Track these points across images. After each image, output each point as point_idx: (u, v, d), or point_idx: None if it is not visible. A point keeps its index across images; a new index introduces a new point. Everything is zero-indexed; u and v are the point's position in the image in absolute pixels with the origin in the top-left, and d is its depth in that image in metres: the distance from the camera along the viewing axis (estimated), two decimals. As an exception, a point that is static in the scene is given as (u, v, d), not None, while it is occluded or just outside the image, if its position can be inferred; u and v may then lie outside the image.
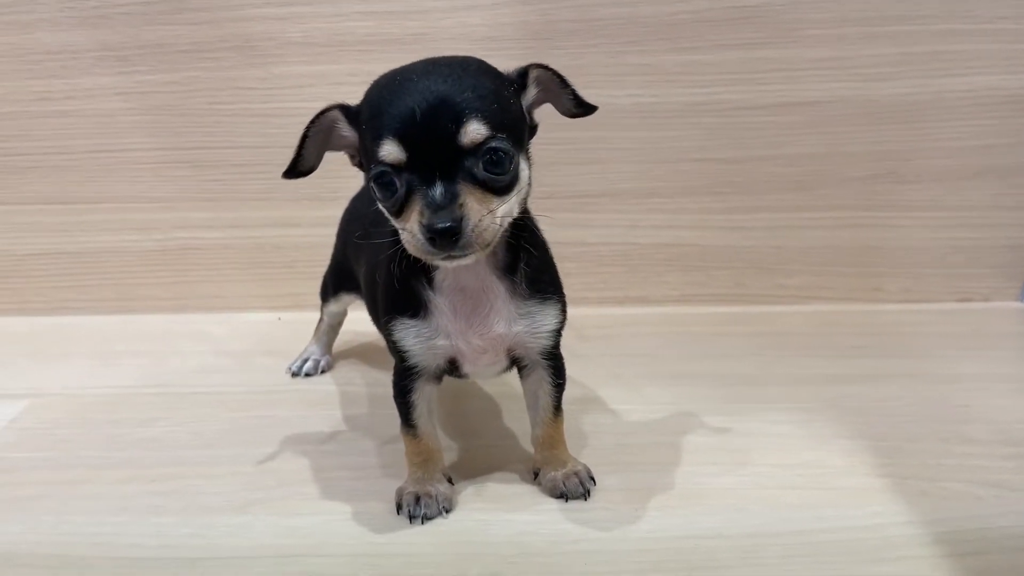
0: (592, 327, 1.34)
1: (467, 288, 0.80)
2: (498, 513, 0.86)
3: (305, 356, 1.21)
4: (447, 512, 0.86)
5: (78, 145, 1.34)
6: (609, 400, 1.10)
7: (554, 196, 1.33)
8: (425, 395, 0.86)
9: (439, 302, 0.80)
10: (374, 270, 0.89)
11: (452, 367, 0.85)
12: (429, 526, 0.84)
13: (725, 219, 1.37)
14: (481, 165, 0.70)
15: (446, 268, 0.76)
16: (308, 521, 0.85)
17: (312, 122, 0.77)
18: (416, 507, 0.85)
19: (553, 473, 0.88)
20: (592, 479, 0.89)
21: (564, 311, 0.86)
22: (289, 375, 1.20)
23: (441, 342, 0.81)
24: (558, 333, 0.86)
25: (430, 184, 0.69)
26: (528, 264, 0.82)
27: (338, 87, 1.13)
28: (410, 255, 0.73)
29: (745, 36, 1.27)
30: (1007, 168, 1.32)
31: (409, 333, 0.81)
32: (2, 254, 1.41)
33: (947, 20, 1.25)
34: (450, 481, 0.89)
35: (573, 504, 0.87)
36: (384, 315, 0.83)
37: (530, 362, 0.87)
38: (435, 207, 0.68)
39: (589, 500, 0.87)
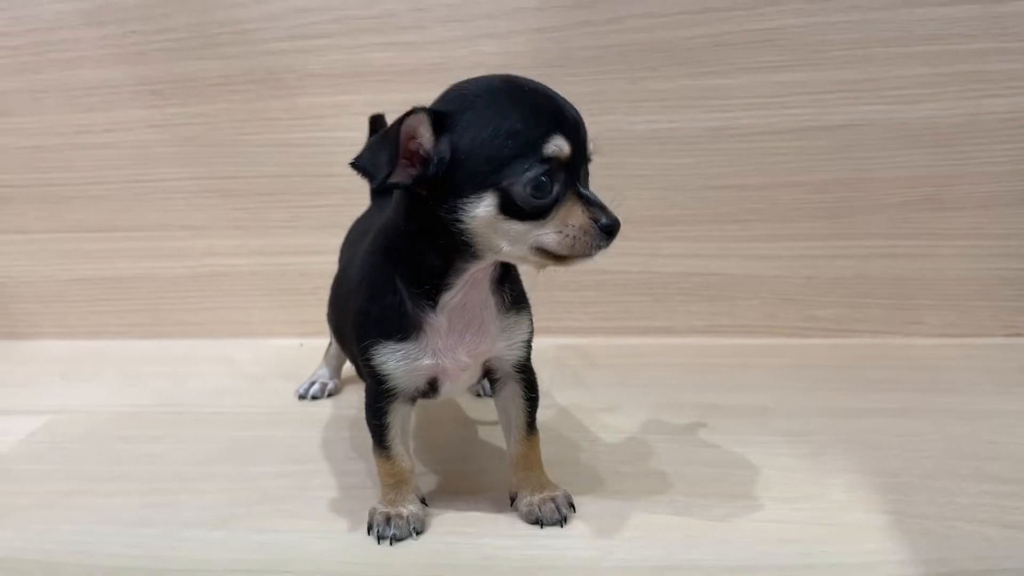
0: (611, 357, 1.32)
1: (468, 304, 0.80)
2: (469, 536, 0.84)
3: (313, 379, 1.22)
4: (417, 533, 0.84)
5: (115, 175, 1.41)
6: (611, 428, 1.07)
7: (573, 224, 1.32)
8: (400, 417, 0.85)
9: (437, 321, 0.79)
10: (345, 296, 0.89)
11: (430, 387, 0.84)
12: (398, 547, 0.83)
13: (751, 248, 1.33)
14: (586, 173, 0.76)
15: (456, 289, 0.78)
16: (282, 538, 0.85)
17: (400, 122, 0.72)
18: (386, 527, 0.84)
19: (529, 497, 0.86)
20: (572, 506, 0.86)
21: (532, 323, 0.87)
22: (296, 397, 1.21)
23: (427, 362, 0.80)
24: (529, 345, 0.86)
25: (579, 186, 0.74)
26: (510, 278, 0.84)
27: (358, 117, 1.17)
28: (418, 275, 0.76)
29: (767, 59, 1.24)
30: (1055, 193, 1.24)
31: (394, 356, 0.80)
32: (46, 280, 1.48)
33: (982, 39, 1.19)
34: (423, 502, 0.88)
35: (548, 531, 0.84)
36: (361, 340, 0.81)
37: (503, 375, 0.87)
38: (599, 205, 0.73)
39: (566, 527, 0.84)
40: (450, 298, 0.79)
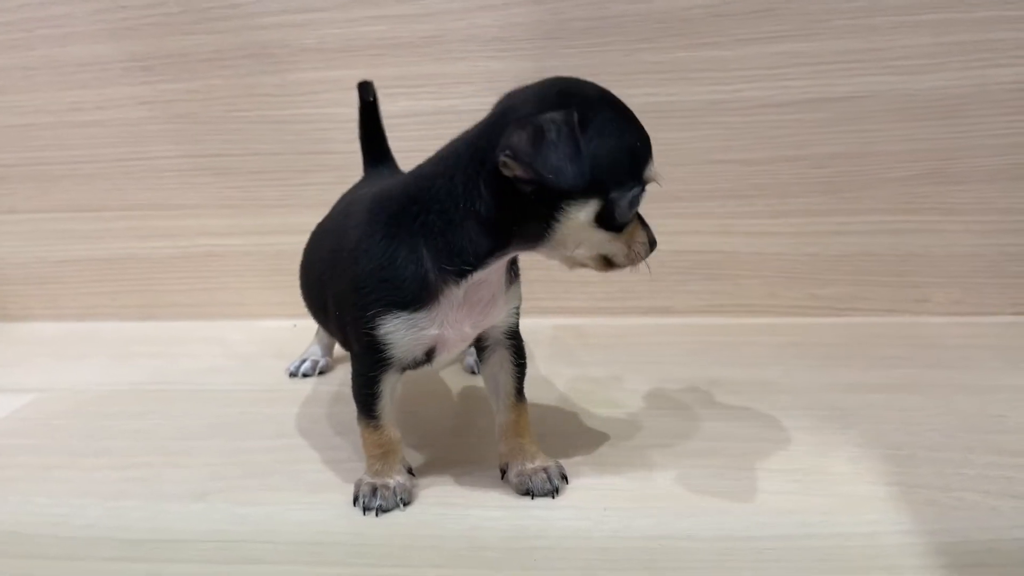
0: (610, 336, 1.30)
1: (487, 280, 0.79)
2: (457, 508, 0.82)
3: (304, 357, 1.21)
4: (405, 504, 0.82)
5: (106, 154, 1.39)
6: (607, 403, 1.05)
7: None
8: (390, 385, 0.83)
9: (455, 294, 0.77)
10: (331, 262, 0.85)
11: (425, 357, 0.82)
12: (383, 518, 0.81)
13: (752, 224, 1.30)
14: None
15: (493, 266, 0.77)
16: (262, 510, 0.83)
17: (570, 120, 0.69)
18: (372, 498, 0.81)
19: (520, 467, 0.84)
20: (564, 477, 0.84)
21: (520, 289, 0.86)
22: (288, 376, 1.19)
23: (433, 331, 0.78)
24: (519, 311, 0.86)
25: None
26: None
27: (351, 92, 1.14)
28: (458, 253, 0.74)
29: (767, 29, 1.21)
30: (1065, 166, 1.21)
31: (401, 325, 0.77)
32: (38, 261, 1.47)
33: (989, 6, 1.17)
34: (411, 472, 0.86)
35: (539, 501, 0.82)
36: (367, 308, 0.77)
37: (492, 342, 0.86)
38: (647, 225, 0.81)
39: (558, 498, 0.82)
40: (479, 276, 0.77)
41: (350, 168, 1.18)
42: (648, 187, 0.76)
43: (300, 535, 0.79)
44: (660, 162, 1.31)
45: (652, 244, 0.80)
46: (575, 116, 0.69)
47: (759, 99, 1.24)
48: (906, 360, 1.15)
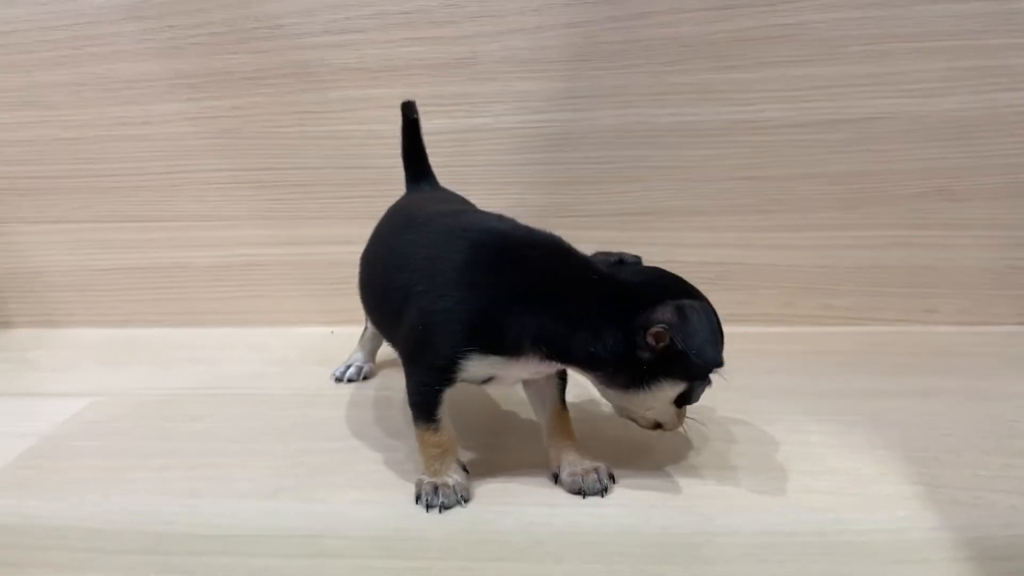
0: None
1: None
2: (513, 505, 0.88)
3: (349, 363, 1.26)
4: (465, 502, 0.88)
5: (152, 167, 1.44)
6: (640, 409, 1.10)
7: (598, 214, 1.36)
8: (447, 395, 0.89)
9: (534, 361, 0.85)
10: (410, 287, 0.89)
11: (483, 381, 0.89)
12: (445, 514, 0.86)
13: (771, 237, 1.36)
14: None
15: None
16: (332, 507, 0.89)
17: (714, 313, 0.85)
18: (434, 497, 0.87)
19: (572, 468, 0.90)
20: (612, 477, 0.90)
21: None
22: (333, 380, 1.24)
23: (501, 373, 0.87)
24: None
25: None
26: None
27: (389, 109, 1.20)
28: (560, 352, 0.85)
29: (787, 54, 1.28)
30: (1067, 185, 1.28)
31: (483, 363, 0.85)
32: (81, 269, 1.52)
33: (997, 34, 1.23)
34: (466, 470, 0.92)
35: (589, 500, 0.88)
36: (453, 345, 0.84)
37: None
38: None
39: (606, 497, 0.88)
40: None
41: (387, 183, 1.24)
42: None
43: (370, 531, 0.84)
44: (687, 178, 1.39)
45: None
46: (711, 308, 0.84)
47: (779, 119, 1.30)
48: (918, 368, 1.21)
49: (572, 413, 0.95)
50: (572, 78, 1.32)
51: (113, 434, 1.10)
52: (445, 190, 1.16)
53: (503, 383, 0.91)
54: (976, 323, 1.35)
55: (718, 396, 1.11)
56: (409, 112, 1.15)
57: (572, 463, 0.90)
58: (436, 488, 0.88)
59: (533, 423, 0.96)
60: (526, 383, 0.95)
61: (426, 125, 1.18)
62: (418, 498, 0.88)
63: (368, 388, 1.22)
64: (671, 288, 0.85)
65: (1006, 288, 1.34)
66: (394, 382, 1.23)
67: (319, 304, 1.47)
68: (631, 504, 0.87)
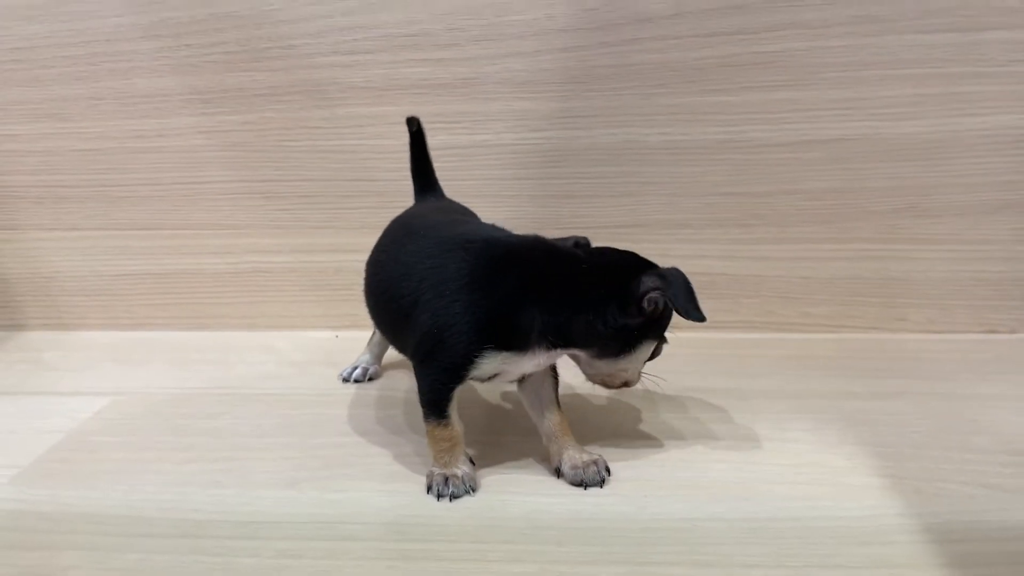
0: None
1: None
2: (518, 495, 0.95)
3: (356, 364, 1.32)
4: (473, 491, 0.95)
5: (166, 178, 1.51)
6: (629, 408, 1.18)
7: (591, 227, 1.43)
8: (458, 391, 0.96)
9: (541, 353, 0.95)
10: (424, 293, 0.96)
11: (489, 377, 0.96)
12: (455, 503, 0.93)
13: (753, 249, 1.44)
14: None
15: None
16: (348, 496, 0.95)
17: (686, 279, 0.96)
18: (444, 486, 0.94)
19: (573, 461, 0.97)
20: (608, 469, 0.98)
21: None
22: (341, 381, 1.31)
23: (510, 368, 0.95)
24: None
25: None
26: None
27: (395, 126, 1.28)
28: (566, 339, 0.95)
29: (768, 79, 1.36)
30: (1026, 204, 1.38)
31: (494, 360, 0.92)
32: (96, 275, 1.58)
33: (961, 63, 1.32)
34: (472, 462, 0.99)
35: (589, 490, 0.95)
36: (470, 344, 0.91)
37: None
38: None
39: (604, 488, 0.96)
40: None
41: (391, 194, 1.31)
42: None
43: (385, 517, 0.91)
44: (674, 193, 1.47)
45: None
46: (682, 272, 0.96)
47: (761, 140, 1.39)
48: (889, 372, 1.30)
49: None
50: (567, 99, 1.40)
51: (135, 430, 1.15)
52: (450, 201, 1.23)
53: (507, 378, 0.98)
54: (942, 331, 1.44)
55: (705, 398, 1.21)
56: (411, 126, 1.23)
57: (572, 457, 0.98)
58: (446, 479, 0.95)
59: (531, 422, 1.04)
60: (522, 385, 1.02)
61: (430, 141, 1.25)
62: (429, 488, 0.95)
63: (374, 388, 1.29)
64: (638, 261, 0.98)
65: (969, 299, 1.43)
66: (399, 383, 1.30)
67: (325, 309, 1.54)
68: (626, 494, 0.94)
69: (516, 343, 0.92)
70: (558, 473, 0.98)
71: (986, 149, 1.36)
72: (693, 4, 1.34)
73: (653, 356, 1.01)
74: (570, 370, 1.30)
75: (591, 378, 1.02)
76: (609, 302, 0.93)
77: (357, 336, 1.39)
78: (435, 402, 0.96)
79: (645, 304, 0.92)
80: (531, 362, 0.95)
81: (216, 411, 1.21)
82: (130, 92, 1.46)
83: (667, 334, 0.99)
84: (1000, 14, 1.30)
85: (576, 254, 0.97)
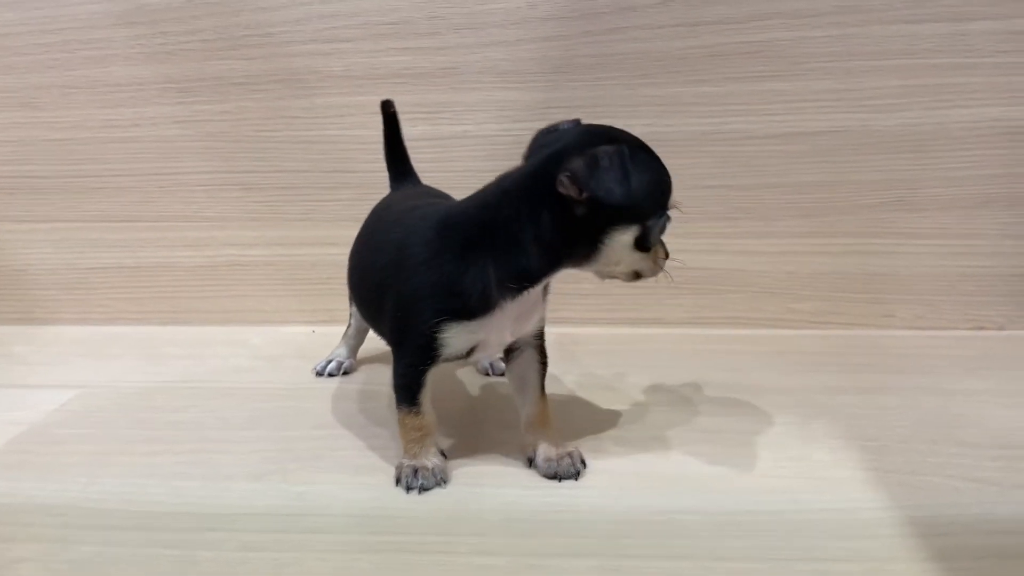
0: (606, 343, 1.41)
1: (532, 295, 0.91)
2: (491, 487, 0.92)
3: (330, 358, 1.30)
4: (444, 483, 0.92)
5: (141, 168, 1.48)
6: (609, 400, 1.15)
7: (573, 220, 1.41)
8: (431, 377, 0.93)
9: (508, 307, 0.89)
10: (392, 270, 0.94)
11: (466, 354, 0.93)
12: (424, 495, 0.90)
13: (738, 244, 1.42)
14: None
15: (545, 282, 0.91)
16: (316, 489, 0.93)
17: (622, 152, 0.82)
18: (413, 479, 0.91)
19: (547, 453, 0.94)
20: (583, 462, 0.95)
21: None
22: (315, 375, 1.28)
23: (481, 336, 0.90)
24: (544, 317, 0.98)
25: None
26: None
27: (374, 116, 1.25)
28: (523, 270, 0.87)
29: (754, 69, 1.34)
30: (1013, 198, 1.36)
31: (460, 331, 0.88)
32: (69, 267, 1.55)
33: (948, 54, 1.31)
34: (443, 454, 0.96)
35: (564, 483, 0.92)
36: (430, 316, 0.88)
37: (522, 344, 0.97)
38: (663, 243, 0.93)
39: (579, 480, 0.93)
40: (532, 291, 0.89)
41: (370, 186, 1.28)
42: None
43: (353, 510, 0.88)
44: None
45: (666, 256, 0.93)
46: (625, 150, 0.82)
47: (746, 131, 1.37)
48: (875, 367, 1.28)
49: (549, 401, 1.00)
50: (550, 89, 1.38)
51: (100, 423, 1.13)
52: (426, 187, 1.20)
53: (492, 350, 0.95)
54: (929, 327, 1.41)
55: (687, 393, 1.19)
56: (387, 108, 1.19)
57: (547, 448, 0.95)
58: (416, 470, 0.92)
59: (511, 412, 1.01)
60: (509, 367, 0.99)
61: (410, 132, 1.23)
62: (398, 480, 0.92)
63: (349, 382, 1.26)
64: (592, 140, 0.85)
65: (956, 295, 1.41)
66: (374, 376, 1.27)
67: (302, 304, 1.51)
68: (602, 486, 0.92)
69: (478, 307, 0.87)
70: (531, 463, 0.96)
71: (973, 142, 1.34)
72: (677, -8, 1.32)
73: (646, 241, 0.87)
74: (558, 364, 1.31)
75: (598, 276, 0.93)
76: (541, 210, 0.84)
77: (334, 331, 1.36)
78: (406, 387, 0.93)
79: (561, 190, 0.82)
80: (504, 323, 0.90)
81: (184, 404, 1.18)
82: (104, 81, 1.44)
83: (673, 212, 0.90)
84: (987, 4, 1.29)
85: (505, 178, 0.89)
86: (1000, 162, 1.34)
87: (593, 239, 0.85)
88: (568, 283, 1.45)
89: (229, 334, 1.49)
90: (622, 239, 0.86)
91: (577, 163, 0.82)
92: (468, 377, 1.26)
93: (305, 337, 1.47)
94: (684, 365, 1.30)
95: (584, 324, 1.47)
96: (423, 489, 0.91)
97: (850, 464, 0.95)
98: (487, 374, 1.26)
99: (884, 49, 1.31)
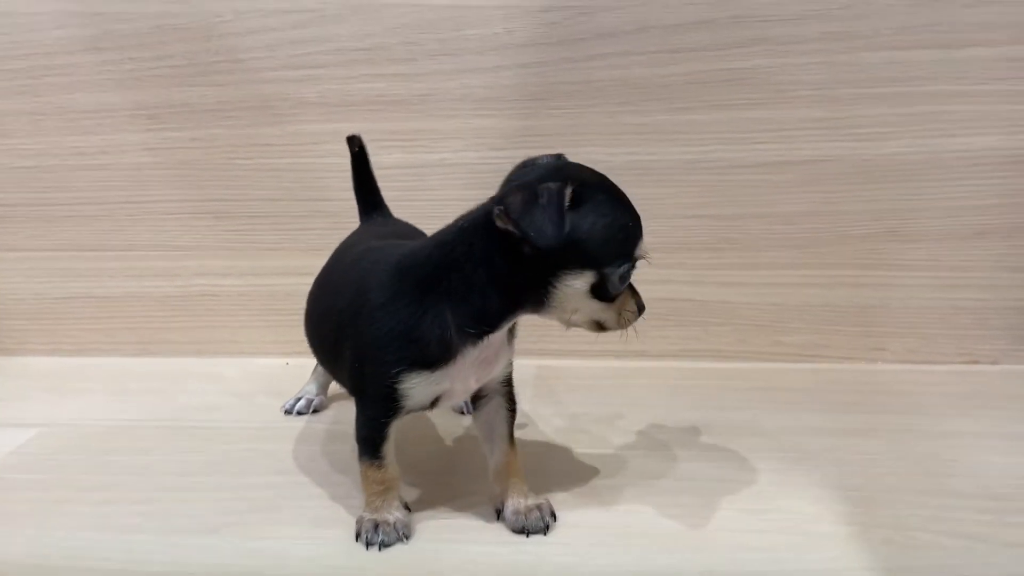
0: (587, 378, 1.37)
1: (493, 341, 0.86)
2: (454, 543, 0.88)
3: (299, 395, 1.25)
4: (406, 539, 0.88)
5: (110, 196, 1.44)
6: (584, 444, 1.11)
7: (554, 250, 1.37)
8: (395, 428, 0.89)
9: (469, 354, 0.84)
10: (348, 315, 0.90)
11: (431, 404, 0.88)
12: (385, 552, 0.86)
13: (723, 275, 1.38)
14: None
15: (505, 327, 0.86)
16: (272, 544, 0.88)
17: (561, 191, 0.76)
18: (374, 534, 0.87)
19: (515, 506, 0.90)
20: (553, 515, 0.91)
21: None
22: (283, 413, 1.24)
23: (445, 385, 0.85)
24: (511, 363, 0.94)
25: None
26: None
27: (347, 144, 1.20)
28: (480, 315, 0.82)
29: (738, 97, 1.30)
30: (1008, 229, 1.31)
31: (421, 381, 0.84)
32: (37, 297, 1.50)
33: (939, 81, 1.26)
34: (407, 508, 0.92)
35: (531, 538, 0.88)
36: (389, 365, 0.83)
37: (490, 392, 0.93)
38: (636, 292, 0.88)
39: (548, 535, 0.88)
40: (493, 336, 0.84)
41: (345, 215, 1.24)
42: (639, 263, 0.84)
43: (308, 569, 0.84)
44: (641, 215, 1.39)
45: (641, 309, 0.88)
46: (568, 189, 0.77)
47: (731, 160, 1.33)
48: (864, 405, 1.23)
49: (519, 448, 0.95)
50: (528, 116, 1.34)
51: (56, 467, 1.08)
52: (397, 221, 1.16)
53: (454, 397, 0.90)
54: (922, 361, 1.37)
55: (667, 434, 1.14)
56: (352, 145, 1.15)
57: (516, 500, 0.90)
58: (376, 525, 0.87)
59: (480, 460, 0.96)
60: (476, 415, 0.95)
61: (385, 160, 1.20)
62: (358, 535, 0.88)
63: (318, 421, 1.22)
64: (551, 175, 0.80)
65: (950, 328, 1.36)
66: (346, 415, 1.21)
67: (276, 335, 1.46)
68: (572, 543, 0.87)
69: (437, 355, 0.83)
70: (499, 515, 0.91)
71: (967, 171, 1.30)
72: (657, 19, 1.28)
73: (605, 290, 0.81)
74: (536, 400, 1.26)
75: (562, 324, 0.87)
76: (492, 249, 0.79)
77: (309, 363, 1.31)
78: (368, 439, 0.89)
79: (499, 224, 0.77)
80: (468, 369, 0.85)
81: (147, 446, 1.14)
82: (72, 107, 1.40)
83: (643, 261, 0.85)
84: (981, 30, 1.24)
85: (461, 219, 0.85)
86: (995, 192, 1.30)
87: (544, 283, 0.80)
88: (549, 314, 1.44)
89: (202, 366, 1.45)
90: (574, 285, 0.80)
91: (515, 197, 0.77)
92: (440, 418, 1.21)
93: (279, 369, 1.43)
94: (667, 403, 1.25)
95: (565, 356, 1.42)
96: (384, 545, 0.86)
97: (833, 518, 0.91)
98: (462, 412, 1.21)
99: (873, 76, 1.27)
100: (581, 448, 1.10)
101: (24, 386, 1.41)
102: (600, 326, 0.86)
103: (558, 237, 0.75)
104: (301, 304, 1.43)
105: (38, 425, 1.21)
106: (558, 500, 0.93)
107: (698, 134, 1.32)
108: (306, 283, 1.45)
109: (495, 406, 0.93)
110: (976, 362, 1.37)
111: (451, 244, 0.83)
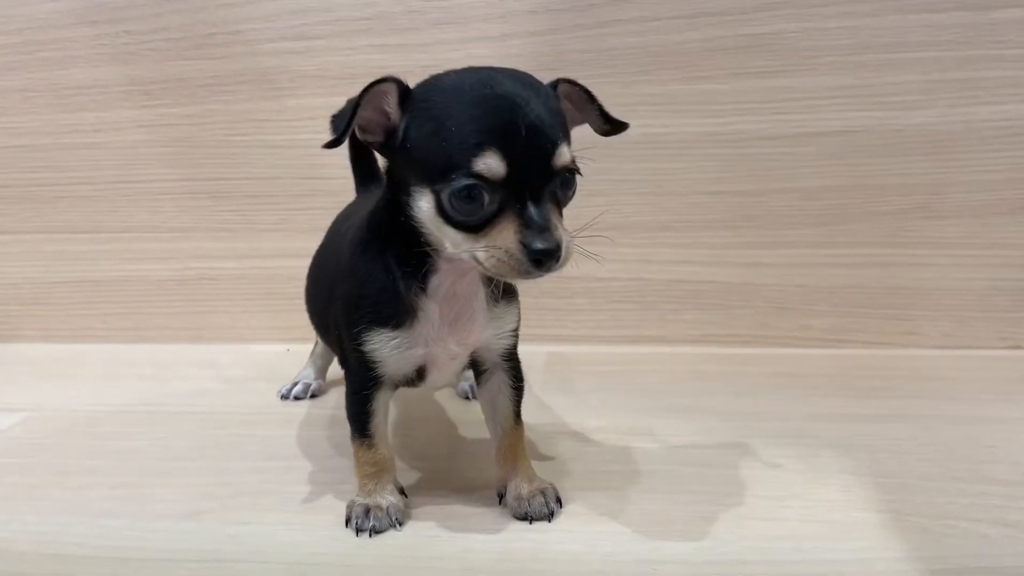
0: (602, 364, 1.31)
1: (458, 294, 0.79)
2: (450, 530, 0.82)
3: (297, 380, 1.21)
4: (400, 525, 0.81)
5: (104, 176, 1.40)
6: (599, 430, 1.05)
7: (564, 229, 1.31)
8: (383, 404, 0.84)
9: (430, 309, 0.78)
10: (329, 281, 0.88)
11: (417, 375, 0.83)
12: (376, 539, 0.80)
13: (743, 255, 1.32)
14: (560, 186, 0.72)
15: (444, 274, 0.77)
16: (254, 530, 0.83)
17: (367, 90, 0.71)
18: (364, 520, 0.81)
19: (517, 491, 0.83)
20: (559, 500, 0.84)
21: (519, 313, 0.87)
22: (280, 398, 1.19)
23: (419, 350, 0.80)
24: (516, 334, 0.86)
25: (524, 204, 0.68)
26: None
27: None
28: (407, 254, 0.75)
29: (759, 64, 1.24)
30: (1051, 202, 1.24)
31: (386, 343, 0.79)
32: (31, 282, 1.47)
33: (975, 46, 1.20)
34: (403, 493, 0.86)
35: (534, 525, 0.81)
36: (354, 325, 0.80)
37: (491, 365, 0.87)
38: (538, 228, 0.67)
39: (553, 522, 0.82)
40: (439, 283, 0.78)
41: (346, 193, 1.19)
42: (492, 181, 0.68)
43: (290, 556, 0.78)
44: (654, 192, 1.33)
45: (532, 251, 0.67)
46: (388, 85, 0.72)
47: (752, 132, 1.27)
48: (896, 391, 1.16)
49: (527, 430, 0.90)
50: (538, 87, 1.28)
51: (38, 451, 1.04)
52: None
53: (440, 365, 0.83)
54: (958, 346, 1.30)
55: (685, 420, 1.07)
56: None
57: (519, 484, 0.84)
58: (368, 510, 0.81)
59: (485, 445, 0.90)
60: (480, 391, 0.89)
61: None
62: (348, 521, 0.82)
63: (315, 406, 1.17)
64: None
65: (988, 310, 1.29)
66: (342, 400, 1.17)
67: (275, 320, 1.42)
68: (577, 529, 0.81)
69: (393, 310, 0.78)
70: (501, 499, 0.85)
71: (1004, 142, 1.23)
72: (673, -19, 1.22)
73: (445, 212, 0.69)
74: (547, 387, 1.20)
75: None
76: (389, 188, 0.77)
77: (310, 350, 1.27)
78: (356, 416, 0.84)
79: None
80: (443, 329, 0.79)
81: (134, 431, 1.10)
82: (65, 83, 1.37)
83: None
84: (1019, -10, 1.17)
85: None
86: (1036, 164, 1.22)
87: (406, 205, 0.73)
88: (561, 298, 1.37)
89: (197, 353, 1.41)
90: (420, 205, 0.71)
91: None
92: (447, 401, 1.15)
93: (279, 356, 1.38)
94: (684, 389, 1.19)
95: (580, 342, 1.37)
96: (375, 531, 0.80)
97: (863, 505, 0.84)
98: (467, 398, 1.15)
99: (902, 41, 1.21)
100: (591, 433, 1.04)
101: (15, 371, 1.38)
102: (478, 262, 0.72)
103: (335, 130, 0.71)
104: (302, 287, 1.39)
105: (26, 410, 1.17)
106: (566, 486, 0.87)
107: (716, 104, 1.26)
108: (307, 265, 1.40)
109: (497, 382, 0.87)
110: (1018, 347, 1.29)
111: (382, 195, 0.80)
